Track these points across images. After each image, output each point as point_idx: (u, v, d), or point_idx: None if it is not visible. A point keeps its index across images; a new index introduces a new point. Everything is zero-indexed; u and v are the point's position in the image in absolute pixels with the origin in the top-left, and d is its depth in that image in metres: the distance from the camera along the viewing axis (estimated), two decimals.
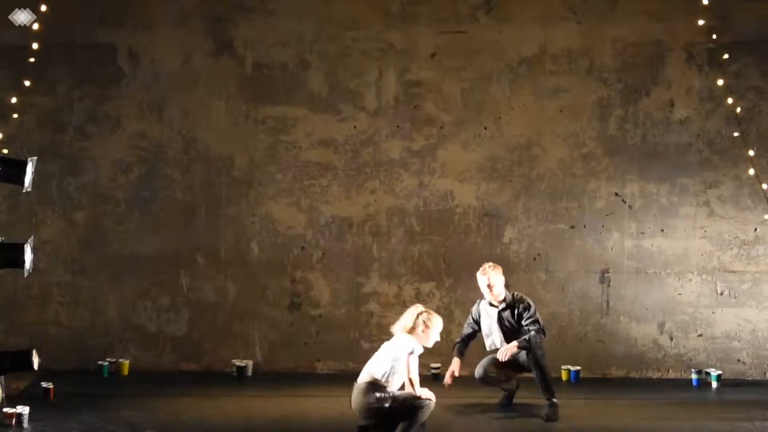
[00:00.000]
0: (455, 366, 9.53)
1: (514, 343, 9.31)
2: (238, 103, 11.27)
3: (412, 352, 8.23)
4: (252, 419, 9.20)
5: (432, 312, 8.45)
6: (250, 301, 11.25)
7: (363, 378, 8.30)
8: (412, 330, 8.32)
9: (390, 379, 8.24)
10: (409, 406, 8.18)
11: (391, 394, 8.20)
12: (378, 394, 8.17)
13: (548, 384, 9.28)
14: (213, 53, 11.28)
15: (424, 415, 8.24)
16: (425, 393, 8.27)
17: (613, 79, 11.16)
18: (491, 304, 9.54)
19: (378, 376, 8.23)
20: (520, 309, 9.44)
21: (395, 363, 8.23)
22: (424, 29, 11.20)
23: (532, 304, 9.48)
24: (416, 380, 8.28)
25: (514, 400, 9.69)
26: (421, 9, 11.18)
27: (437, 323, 8.40)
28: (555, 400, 9.24)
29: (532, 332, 9.30)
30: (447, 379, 9.44)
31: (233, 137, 11.27)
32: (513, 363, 9.41)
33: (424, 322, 8.32)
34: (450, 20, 11.18)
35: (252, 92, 11.26)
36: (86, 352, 11.12)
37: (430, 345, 8.44)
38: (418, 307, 8.45)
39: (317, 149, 11.26)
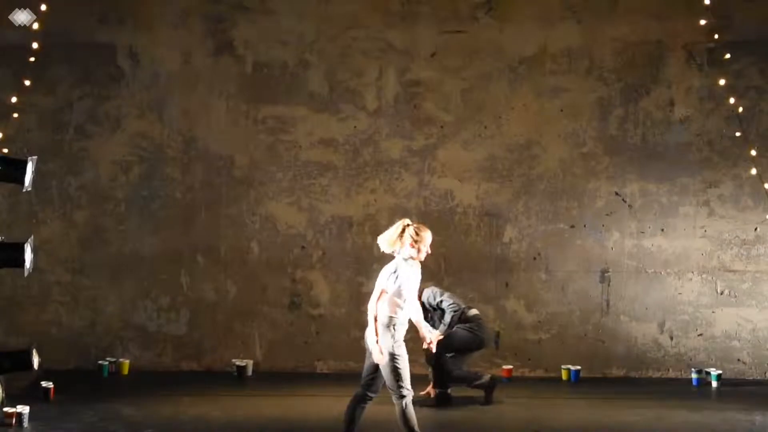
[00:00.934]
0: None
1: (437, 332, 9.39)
2: (238, 103, 11.26)
3: (396, 275, 7.67)
4: (252, 419, 9.20)
5: (420, 224, 7.83)
6: (250, 301, 11.25)
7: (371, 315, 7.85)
8: (401, 247, 7.72)
9: (393, 313, 7.72)
10: (395, 384, 7.69)
11: (396, 347, 7.69)
12: (389, 340, 7.71)
13: (439, 377, 9.61)
14: (213, 53, 11.27)
15: (410, 407, 7.73)
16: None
17: (613, 79, 11.16)
18: None
19: (380, 315, 7.77)
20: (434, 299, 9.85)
21: (391, 293, 7.72)
22: (424, 29, 11.20)
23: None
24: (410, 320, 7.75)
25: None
26: (421, 8, 11.18)
27: (427, 235, 7.76)
28: (442, 390, 9.61)
29: (446, 316, 9.67)
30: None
31: (233, 137, 11.27)
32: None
33: (413, 236, 7.71)
34: (450, 20, 11.18)
35: (252, 92, 11.26)
36: (86, 352, 11.12)
37: (422, 258, 7.80)
38: (404, 221, 7.83)
39: (317, 149, 11.26)
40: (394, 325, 7.77)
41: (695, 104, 11.11)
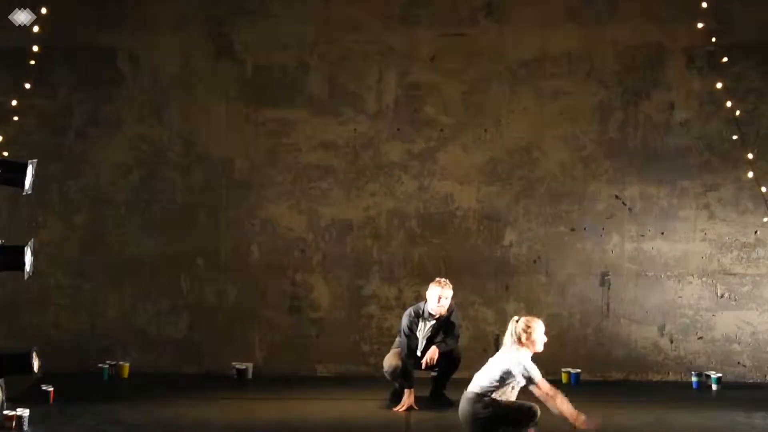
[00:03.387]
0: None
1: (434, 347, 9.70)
2: (238, 106, 11.27)
3: (524, 367, 8.15)
4: (252, 422, 9.19)
5: (529, 317, 8.33)
6: (250, 304, 11.25)
7: (471, 388, 8.30)
8: (518, 341, 8.23)
9: (498, 390, 8.21)
10: (517, 412, 8.18)
11: (498, 404, 8.18)
12: (485, 404, 8.17)
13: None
14: (213, 56, 11.27)
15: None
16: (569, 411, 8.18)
17: (613, 82, 11.16)
18: (431, 315, 9.82)
19: (486, 386, 8.22)
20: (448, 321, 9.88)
21: (504, 375, 8.19)
22: (424, 32, 11.20)
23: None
24: (556, 396, 8.15)
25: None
26: (421, 12, 11.19)
27: (537, 326, 8.25)
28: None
29: (450, 339, 9.80)
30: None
31: (233, 140, 11.27)
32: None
33: (524, 330, 8.21)
34: (450, 23, 11.18)
35: (252, 95, 11.26)
36: (86, 355, 11.10)
37: (540, 349, 8.28)
38: (513, 318, 8.36)
39: (317, 152, 11.26)
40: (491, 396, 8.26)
41: (695, 107, 11.11)
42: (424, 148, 11.24)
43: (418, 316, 9.77)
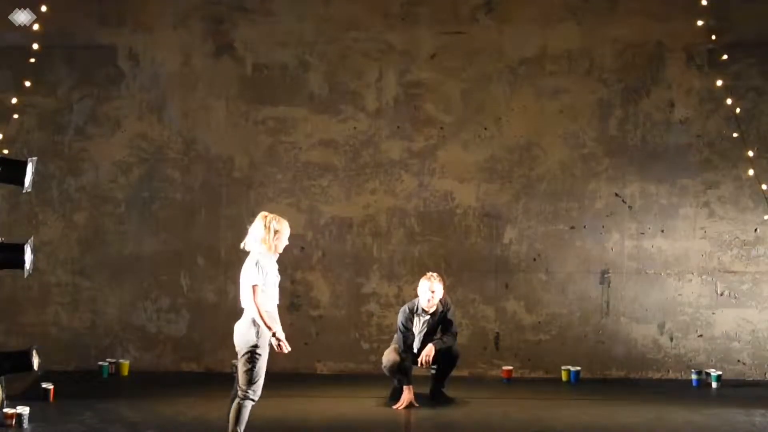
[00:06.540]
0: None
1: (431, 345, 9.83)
2: (238, 104, 11.27)
3: (257, 263, 7.90)
4: (252, 420, 9.16)
5: (277, 216, 8.15)
6: None
7: (246, 311, 8.04)
8: (264, 239, 8.01)
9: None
10: (245, 383, 7.96)
11: (258, 346, 8.01)
12: (253, 336, 8.01)
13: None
14: (213, 54, 11.27)
15: (245, 412, 8.00)
16: (278, 333, 8.05)
17: (613, 80, 11.16)
18: (424, 311, 9.93)
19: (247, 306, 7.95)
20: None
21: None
22: (424, 30, 11.20)
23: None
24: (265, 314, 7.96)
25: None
26: (421, 10, 11.18)
27: (285, 227, 8.08)
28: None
29: (447, 337, 9.88)
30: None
31: (233, 138, 11.27)
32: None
33: (274, 228, 8.01)
34: (450, 21, 11.18)
35: (252, 93, 11.26)
36: (86, 353, 11.12)
37: (280, 251, 8.11)
38: (264, 214, 8.14)
39: (317, 150, 11.26)
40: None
41: (695, 105, 11.11)
42: (424, 146, 11.24)
43: (413, 312, 9.86)
